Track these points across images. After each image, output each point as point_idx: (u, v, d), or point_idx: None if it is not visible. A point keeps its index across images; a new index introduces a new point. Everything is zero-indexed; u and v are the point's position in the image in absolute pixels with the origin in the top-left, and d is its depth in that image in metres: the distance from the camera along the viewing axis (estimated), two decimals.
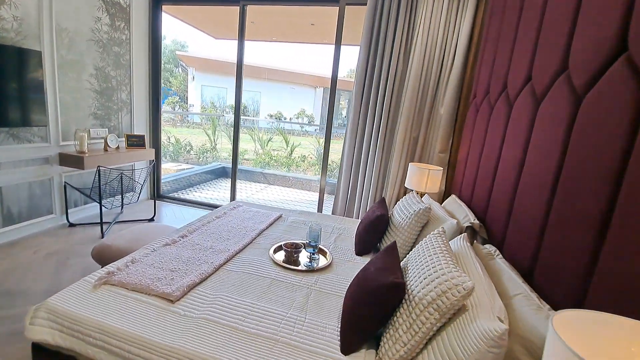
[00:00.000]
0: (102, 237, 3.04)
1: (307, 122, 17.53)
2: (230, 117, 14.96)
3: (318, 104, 19.80)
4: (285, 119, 15.49)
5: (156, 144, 4.12)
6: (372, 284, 1.20)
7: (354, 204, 3.27)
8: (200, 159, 7.29)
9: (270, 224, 2.39)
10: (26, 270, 2.41)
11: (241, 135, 8.38)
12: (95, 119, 3.35)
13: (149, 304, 1.35)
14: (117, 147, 3.42)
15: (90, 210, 3.50)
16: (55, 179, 3.06)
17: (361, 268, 1.43)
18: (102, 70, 3.34)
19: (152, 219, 3.57)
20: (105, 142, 3.31)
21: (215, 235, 2.07)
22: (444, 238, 1.36)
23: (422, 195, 2.55)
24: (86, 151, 3.07)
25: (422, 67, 2.84)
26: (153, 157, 3.81)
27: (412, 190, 2.33)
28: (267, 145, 7.75)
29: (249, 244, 2.03)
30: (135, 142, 3.61)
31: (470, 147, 2.26)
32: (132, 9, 3.53)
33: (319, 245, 1.89)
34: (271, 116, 17.67)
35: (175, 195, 4.85)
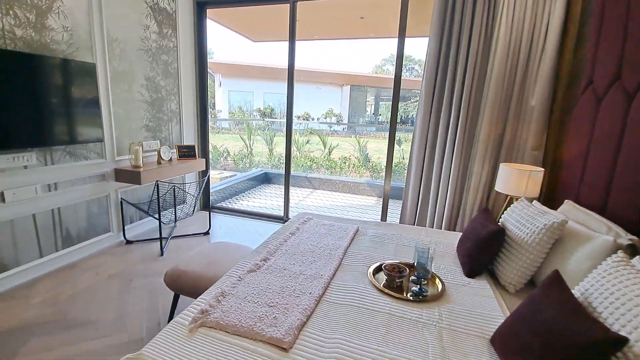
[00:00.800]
0: (162, 254, 2.89)
1: (335, 122, 17.26)
2: (259, 121, 14.95)
3: (345, 102, 19.50)
4: (312, 119, 15.28)
5: (205, 153, 3.97)
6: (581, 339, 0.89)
7: (426, 211, 2.95)
8: (241, 166, 7.18)
9: (351, 240, 2.12)
10: (90, 295, 2.27)
11: (276, 139, 8.23)
12: (147, 131, 3.23)
13: (258, 354, 1.11)
14: (170, 159, 3.28)
15: (145, 225, 3.37)
16: (112, 196, 2.95)
17: (522, 304, 1.13)
18: (152, 80, 3.21)
19: (207, 233, 3.40)
20: (159, 154, 3.17)
21: (298, 257, 1.82)
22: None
23: (514, 200, 2.20)
24: (141, 165, 2.93)
25: (507, 55, 2.49)
26: (204, 167, 3.65)
27: (521, 198, 1.99)
28: (303, 147, 7.53)
29: (338, 266, 1.77)
30: (186, 152, 3.47)
31: (591, 143, 1.89)
32: (178, 15, 3.39)
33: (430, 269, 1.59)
34: (299, 117, 17.55)
35: (224, 204, 4.71)
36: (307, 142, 7.77)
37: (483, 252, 1.70)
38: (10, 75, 2.06)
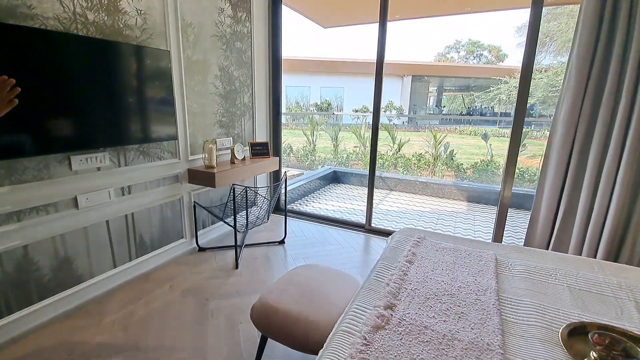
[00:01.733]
0: (237, 266, 2.56)
1: (400, 115, 16.31)
2: (319, 116, 14.61)
3: (406, 94, 18.38)
4: (372, 112, 14.58)
5: (278, 151, 3.60)
6: None
7: (570, 231, 2.23)
8: (307, 163, 6.82)
9: (497, 276, 1.53)
10: (165, 314, 1.97)
11: (341, 134, 7.74)
12: (220, 127, 2.91)
13: None
14: (243, 158, 2.94)
15: (217, 231, 3.09)
16: (185, 199, 2.68)
17: None
18: (225, 71, 2.87)
19: (282, 242, 3.02)
20: (232, 153, 2.84)
21: (435, 303, 1.29)
22: None
23: None
24: (215, 165, 2.62)
25: None
26: (277, 167, 3.28)
27: None
28: (369, 142, 6.88)
29: (501, 324, 1.20)
30: (259, 150, 3.11)
31: None
32: None
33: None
34: (356, 111, 16.89)
35: (295, 207, 4.35)
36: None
37: None
38: (82, 64, 1.79)
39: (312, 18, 4.59)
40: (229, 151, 2.93)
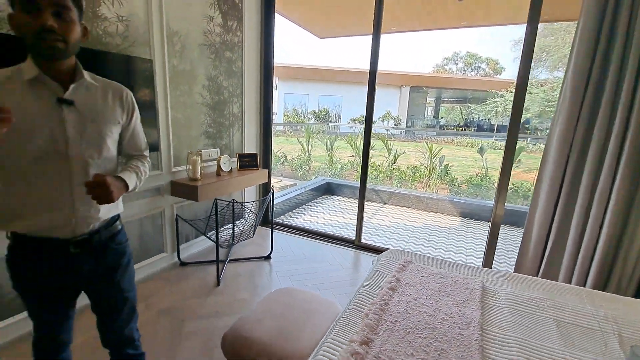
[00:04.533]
0: (218, 284, 2.46)
1: (396, 125, 16.32)
2: (316, 125, 14.56)
3: (404, 104, 18.43)
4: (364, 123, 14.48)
5: (267, 163, 3.53)
6: None
7: (561, 258, 2.15)
8: (300, 173, 6.73)
9: (482, 306, 1.45)
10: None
11: (336, 144, 7.68)
12: (207, 138, 2.84)
13: None
14: (230, 170, 2.86)
15: (200, 245, 3.00)
16: (167, 212, 2.59)
17: None
18: (214, 81, 2.81)
19: (268, 257, 2.93)
20: (218, 164, 2.76)
21: (415, 339, 1.20)
22: None
23: None
24: (199, 178, 2.54)
25: None
26: (266, 179, 3.20)
27: None
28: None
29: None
30: (247, 162, 3.04)
31: None
32: (244, 4, 2.96)
33: None
34: (354, 120, 16.89)
35: (284, 220, 4.26)
36: (372, 147, 7.02)
37: None
38: None
39: (307, 28, 4.56)
40: (216, 163, 2.85)
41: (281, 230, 3.57)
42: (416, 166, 6.51)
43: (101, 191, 0.92)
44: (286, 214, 4.64)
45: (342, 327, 1.27)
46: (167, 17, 2.32)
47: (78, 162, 0.98)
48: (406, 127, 18.31)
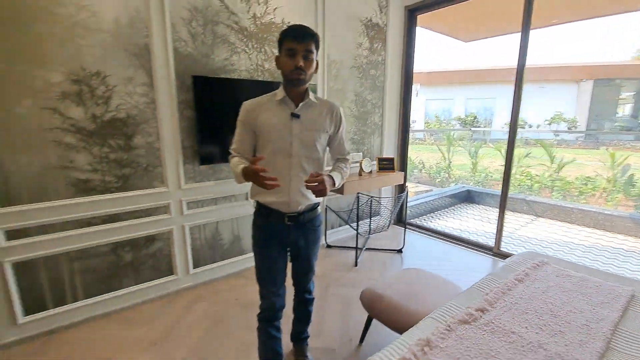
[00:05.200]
0: (356, 264, 2.92)
1: (566, 130, 13.56)
2: (459, 131, 13.70)
3: (584, 103, 15.06)
4: (530, 126, 12.52)
5: (404, 167, 3.84)
6: None
7: None
8: (438, 180, 6.70)
9: (624, 311, 1.37)
10: None
11: (481, 151, 7.19)
12: (352, 144, 3.39)
13: None
14: (370, 172, 3.31)
15: (343, 233, 3.55)
16: (322, 203, 3.24)
17: None
18: (360, 95, 3.34)
19: (400, 250, 3.22)
20: (360, 166, 3.25)
21: (532, 318, 1.30)
22: None
23: None
24: None
25: None
26: (401, 181, 3.51)
27: None
28: (521, 161, 6.11)
29: (605, 350, 1.14)
30: (385, 165, 3.42)
31: None
32: (388, 27, 3.40)
33: None
34: (508, 125, 14.93)
35: (418, 222, 4.44)
36: (527, 154, 6.25)
37: None
38: None
39: (452, 35, 4.65)
40: (359, 164, 3.36)
41: (414, 230, 3.79)
42: (589, 177, 5.44)
43: (320, 186, 1.25)
44: (422, 217, 4.78)
45: (462, 298, 1.48)
46: (328, 51, 2.97)
47: (296, 159, 1.36)
48: (586, 130, 14.79)
